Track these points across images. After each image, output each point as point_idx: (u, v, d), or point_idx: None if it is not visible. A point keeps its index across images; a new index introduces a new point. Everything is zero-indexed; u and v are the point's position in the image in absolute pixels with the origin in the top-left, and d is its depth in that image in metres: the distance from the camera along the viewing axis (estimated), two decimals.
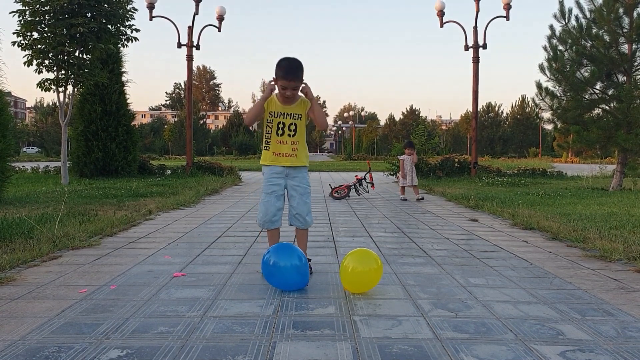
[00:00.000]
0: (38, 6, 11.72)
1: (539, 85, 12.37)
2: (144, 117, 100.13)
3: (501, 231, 6.06)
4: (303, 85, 3.64)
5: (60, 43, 11.69)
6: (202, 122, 72.10)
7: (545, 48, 12.20)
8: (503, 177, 15.43)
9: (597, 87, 11.95)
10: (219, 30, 16.74)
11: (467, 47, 15.95)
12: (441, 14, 15.91)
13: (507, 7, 15.31)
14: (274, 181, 3.75)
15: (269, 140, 3.76)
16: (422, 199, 9.79)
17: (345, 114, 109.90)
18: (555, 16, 12.20)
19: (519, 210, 7.51)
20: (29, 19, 11.75)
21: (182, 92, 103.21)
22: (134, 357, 2.27)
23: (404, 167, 10.03)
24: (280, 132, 3.72)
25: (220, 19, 16.64)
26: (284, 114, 3.71)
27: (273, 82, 3.65)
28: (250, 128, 73.79)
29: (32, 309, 2.94)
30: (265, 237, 5.51)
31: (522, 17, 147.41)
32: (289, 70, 3.57)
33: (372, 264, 3.33)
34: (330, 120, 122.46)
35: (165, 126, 76.82)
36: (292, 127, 3.73)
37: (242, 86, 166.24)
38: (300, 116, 3.74)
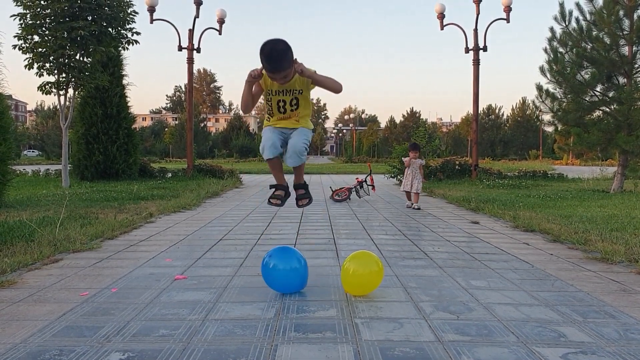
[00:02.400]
0: (39, 10, 11.73)
1: (539, 88, 12.38)
2: (145, 120, 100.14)
3: (502, 233, 6.05)
4: (296, 66, 3.17)
5: (61, 46, 11.70)
6: (202, 125, 72.12)
7: (545, 50, 12.22)
8: (504, 180, 15.42)
9: (598, 89, 11.96)
10: (220, 33, 16.76)
11: (467, 50, 15.96)
12: (441, 16, 15.93)
13: (508, 9, 15.32)
14: (276, 129, 3.48)
15: (270, 116, 3.50)
16: (419, 208, 8.71)
17: (346, 117, 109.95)
18: (555, 18, 12.21)
19: (520, 212, 7.50)
20: (30, 22, 11.76)
21: (183, 95, 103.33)
22: None
23: (406, 169, 9.16)
24: (282, 110, 3.42)
25: (221, 21, 16.67)
26: (282, 91, 3.36)
27: (257, 71, 3.22)
28: (250, 130, 73.88)
29: (34, 312, 2.94)
30: (266, 240, 5.52)
31: (523, 19, 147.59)
32: (272, 62, 3.12)
33: (373, 266, 3.32)
34: (330, 123, 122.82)
35: (166, 129, 76.88)
36: (294, 102, 3.40)
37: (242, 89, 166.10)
38: (300, 91, 3.37)
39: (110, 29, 12.51)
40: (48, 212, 7.32)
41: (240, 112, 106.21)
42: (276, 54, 3.10)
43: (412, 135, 19.68)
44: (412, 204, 8.97)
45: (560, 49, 12.14)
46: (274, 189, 3.68)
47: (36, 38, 11.91)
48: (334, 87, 3.35)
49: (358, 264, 3.31)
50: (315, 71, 3.29)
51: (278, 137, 3.46)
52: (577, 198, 10.04)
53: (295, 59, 3.18)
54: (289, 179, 3.66)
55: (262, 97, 3.51)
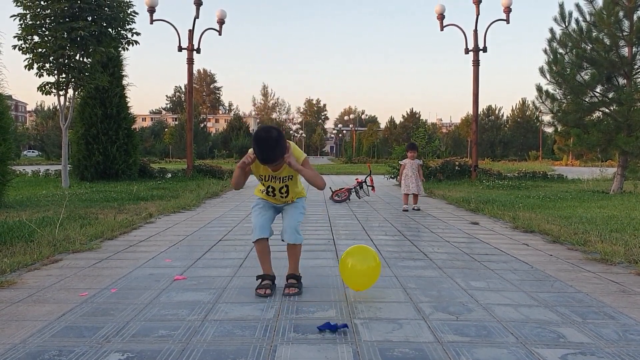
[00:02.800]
0: (39, 10, 11.74)
1: (539, 89, 12.38)
2: (145, 121, 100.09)
3: (502, 234, 6.05)
4: (285, 156, 3.23)
5: (61, 47, 11.71)
6: (202, 125, 72.14)
7: (545, 51, 12.22)
8: (503, 180, 15.43)
9: (598, 90, 11.97)
10: (220, 34, 16.79)
11: (467, 51, 15.97)
12: (441, 17, 15.94)
13: (507, 10, 15.34)
14: (267, 202, 3.53)
15: (263, 192, 3.53)
16: (419, 209, 8.58)
17: (346, 117, 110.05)
18: (555, 19, 12.22)
19: (519, 213, 7.50)
20: (30, 22, 11.76)
21: (183, 95, 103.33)
22: None
23: (403, 173, 8.74)
24: (271, 194, 3.47)
25: (221, 22, 16.69)
26: (273, 177, 3.40)
27: (250, 158, 3.26)
28: (250, 131, 73.88)
29: (33, 313, 2.94)
30: None
31: (523, 20, 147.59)
32: (264, 152, 3.15)
33: (371, 261, 3.33)
34: (330, 124, 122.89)
35: (166, 129, 76.90)
36: (284, 190, 3.45)
37: (243, 89, 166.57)
38: (291, 177, 3.42)
39: (110, 30, 12.51)
40: (48, 212, 7.32)
41: (240, 113, 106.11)
42: (269, 144, 3.14)
43: (412, 136, 19.71)
44: (412, 206, 8.64)
45: (560, 50, 12.15)
46: (260, 280, 3.45)
47: (36, 38, 11.92)
48: (317, 184, 3.37)
49: (356, 260, 3.31)
50: (306, 157, 3.36)
51: (269, 216, 3.48)
52: (576, 199, 10.05)
53: (288, 147, 3.24)
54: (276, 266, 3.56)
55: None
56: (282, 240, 3.51)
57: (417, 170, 8.72)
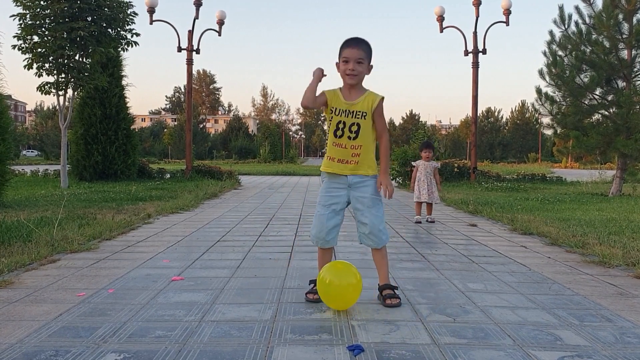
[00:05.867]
0: (39, 10, 11.74)
1: (538, 91, 12.39)
2: (144, 121, 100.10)
3: (500, 236, 6.05)
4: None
5: (60, 47, 11.70)
6: (201, 126, 72.21)
7: (545, 53, 12.24)
8: (502, 182, 15.43)
9: (597, 92, 11.98)
10: (219, 35, 16.78)
11: (466, 52, 15.98)
12: (441, 19, 15.95)
13: (507, 12, 15.35)
14: (333, 192, 3.18)
15: (327, 143, 3.23)
16: (433, 221, 7.33)
17: None
18: (555, 22, 12.24)
19: (518, 215, 7.50)
20: (30, 22, 11.76)
21: (182, 96, 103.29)
22: None
23: (416, 177, 7.51)
24: (339, 132, 3.11)
25: (221, 23, 16.69)
26: (345, 111, 3.08)
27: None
28: (250, 132, 73.79)
29: (30, 313, 2.93)
30: (264, 241, 5.52)
31: (522, 22, 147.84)
32: (352, 39, 3.12)
33: (351, 278, 2.99)
34: None
35: (165, 130, 76.85)
36: (354, 129, 3.08)
37: (242, 90, 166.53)
38: (364, 114, 3.09)
39: (109, 30, 12.51)
40: (46, 212, 7.32)
41: (239, 114, 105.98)
42: (358, 37, 3.16)
43: (412, 138, 19.71)
44: (426, 217, 7.44)
45: (560, 52, 12.16)
46: (312, 285, 3.23)
47: (36, 38, 11.91)
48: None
49: (334, 275, 2.98)
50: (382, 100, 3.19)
51: (337, 221, 3.21)
52: (575, 201, 10.05)
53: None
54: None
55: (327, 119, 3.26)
56: (361, 243, 3.28)
57: (432, 173, 7.50)
